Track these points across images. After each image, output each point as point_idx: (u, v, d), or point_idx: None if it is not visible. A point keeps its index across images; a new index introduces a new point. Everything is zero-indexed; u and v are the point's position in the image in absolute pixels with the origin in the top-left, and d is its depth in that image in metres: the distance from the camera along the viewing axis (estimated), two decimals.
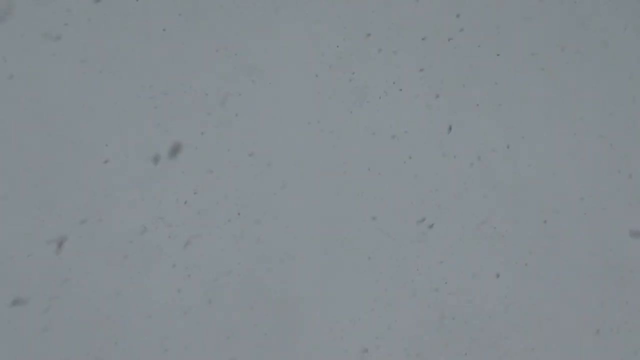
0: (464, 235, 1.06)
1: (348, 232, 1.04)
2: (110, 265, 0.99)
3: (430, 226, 1.06)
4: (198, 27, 1.00)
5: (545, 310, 1.04)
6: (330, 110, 1.05)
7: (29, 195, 0.93)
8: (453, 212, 1.07)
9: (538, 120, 1.12)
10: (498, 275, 1.05)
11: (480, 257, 1.05)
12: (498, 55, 1.13)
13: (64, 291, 0.95)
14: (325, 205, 1.05)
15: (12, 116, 0.93)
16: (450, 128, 1.09)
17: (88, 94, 0.96)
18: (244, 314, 1.00)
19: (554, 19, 1.16)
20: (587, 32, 1.16)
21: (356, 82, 1.06)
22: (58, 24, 0.95)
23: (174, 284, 1.00)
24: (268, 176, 1.05)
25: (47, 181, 0.94)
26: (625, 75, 1.14)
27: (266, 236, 1.03)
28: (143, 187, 1.00)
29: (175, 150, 1.02)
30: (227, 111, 1.01)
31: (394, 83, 1.08)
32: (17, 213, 0.93)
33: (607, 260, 1.07)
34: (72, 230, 0.95)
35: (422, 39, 1.09)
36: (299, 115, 1.04)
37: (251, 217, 1.04)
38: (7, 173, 0.93)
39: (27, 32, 0.94)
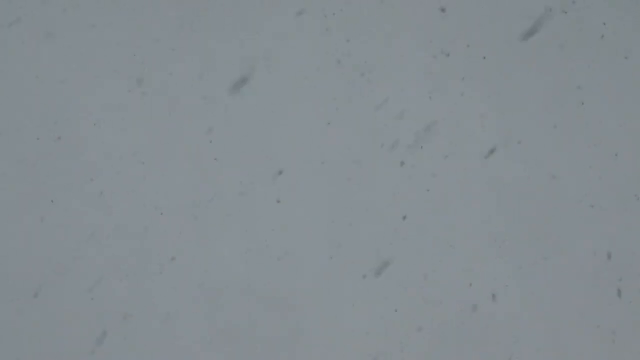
0: (463, 236, 1.06)
1: (349, 233, 1.05)
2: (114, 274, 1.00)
3: (431, 226, 1.06)
4: None
5: (546, 312, 1.04)
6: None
7: None
8: (453, 213, 1.07)
9: (539, 123, 1.11)
10: (496, 279, 1.05)
11: (480, 258, 1.05)
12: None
13: None
14: (327, 205, 1.06)
15: None
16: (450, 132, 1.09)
17: None
18: (244, 315, 1.01)
19: (555, 18, 1.16)
20: (589, 32, 1.16)
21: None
22: None
23: (175, 284, 1.01)
24: (268, 177, 1.06)
25: None
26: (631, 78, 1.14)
27: (267, 236, 1.04)
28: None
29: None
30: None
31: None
32: None
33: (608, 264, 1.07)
34: None
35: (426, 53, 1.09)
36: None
37: (253, 217, 1.04)
38: None
39: None
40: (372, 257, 1.04)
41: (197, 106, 1.06)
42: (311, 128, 1.08)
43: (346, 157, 1.07)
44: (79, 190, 1.02)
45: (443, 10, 1.02)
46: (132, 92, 1.05)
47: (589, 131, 1.09)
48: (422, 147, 1.08)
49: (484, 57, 1.12)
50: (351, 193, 1.06)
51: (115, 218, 1.02)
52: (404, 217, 1.06)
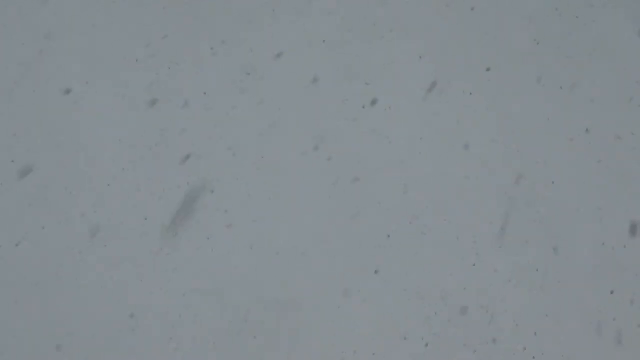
0: (463, 237, 1.06)
1: (351, 235, 1.05)
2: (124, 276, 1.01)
3: (431, 227, 1.06)
4: None
5: (547, 310, 1.04)
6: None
7: None
8: (454, 214, 1.07)
9: (540, 123, 1.12)
10: (497, 273, 1.05)
11: (482, 258, 1.05)
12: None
13: None
14: (328, 207, 1.06)
15: None
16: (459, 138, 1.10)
17: None
18: (243, 315, 1.01)
19: (557, 19, 1.16)
20: (591, 34, 1.16)
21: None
22: None
23: (175, 284, 1.01)
24: (270, 177, 1.06)
25: None
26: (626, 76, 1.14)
27: (267, 237, 1.04)
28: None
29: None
30: None
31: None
32: None
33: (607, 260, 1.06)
34: None
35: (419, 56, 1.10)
36: None
37: (253, 218, 1.05)
38: None
39: None
40: (373, 256, 1.04)
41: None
42: (309, 142, 1.08)
43: (349, 158, 1.08)
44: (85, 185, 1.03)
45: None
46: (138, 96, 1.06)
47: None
48: (421, 153, 1.09)
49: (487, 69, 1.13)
50: (354, 192, 1.06)
51: (116, 216, 1.02)
52: (407, 217, 1.06)
